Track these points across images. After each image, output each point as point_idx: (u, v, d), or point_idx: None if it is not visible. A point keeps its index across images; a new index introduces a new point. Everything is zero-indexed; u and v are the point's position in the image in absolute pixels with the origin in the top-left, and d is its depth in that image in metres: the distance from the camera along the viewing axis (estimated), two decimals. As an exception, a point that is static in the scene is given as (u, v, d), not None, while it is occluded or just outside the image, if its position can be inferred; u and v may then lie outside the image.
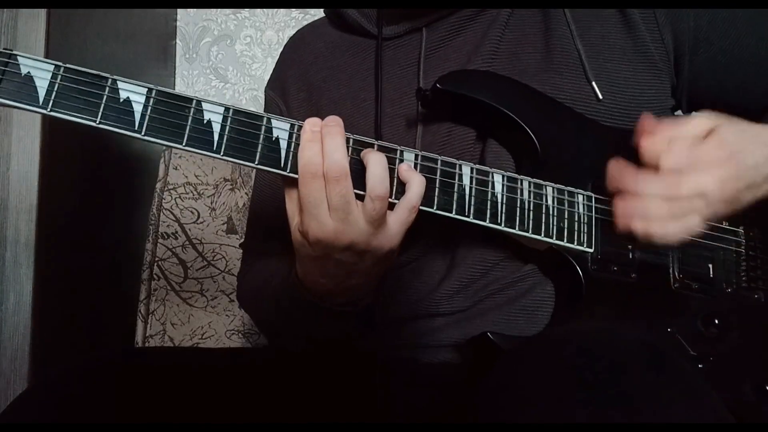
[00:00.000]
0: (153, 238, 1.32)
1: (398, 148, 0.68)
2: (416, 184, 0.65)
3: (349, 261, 0.64)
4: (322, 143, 0.62)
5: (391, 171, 0.65)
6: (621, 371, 0.52)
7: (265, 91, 0.95)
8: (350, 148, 0.66)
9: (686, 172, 0.63)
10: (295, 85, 0.91)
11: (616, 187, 0.66)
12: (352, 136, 0.67)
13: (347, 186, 0.61)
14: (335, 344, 0.86)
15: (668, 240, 0.64)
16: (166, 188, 1.33)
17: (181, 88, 1.68)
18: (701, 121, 0.66)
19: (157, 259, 1.31)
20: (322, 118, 0.85)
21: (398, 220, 0.64)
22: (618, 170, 0.66)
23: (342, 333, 0.78)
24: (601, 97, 0.76)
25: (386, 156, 0.65)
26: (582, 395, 0.50)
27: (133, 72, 1.45)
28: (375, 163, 0.63)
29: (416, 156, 0.68)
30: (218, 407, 0.71)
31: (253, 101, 1.66)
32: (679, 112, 0.85)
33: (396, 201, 0.65)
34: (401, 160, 0.68)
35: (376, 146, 0.67)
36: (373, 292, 0.73)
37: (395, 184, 0.66)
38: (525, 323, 0.74)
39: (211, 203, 1.34)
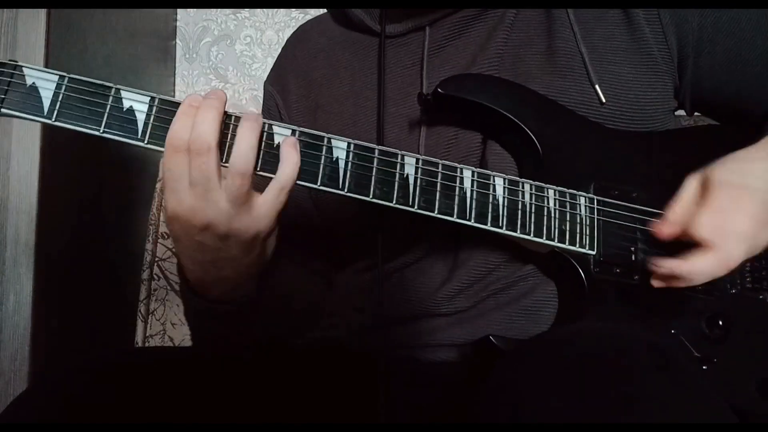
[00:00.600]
0: (153, 238, 1.31)
1: (399, 152, 0.68)
2: (288, 163, 0.62)
3: (211, 244, 0.62)
4: (194, 117, 0.60)
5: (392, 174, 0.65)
6: (624, 372, 0.51)
7: (264, 85, 0.95)
8: (351, 153, 0.66)
9: (722, 234, 0.65)
10: (295, 80, 0.90)
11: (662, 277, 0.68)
12: (352, 141, 0.66)
13: (209, 161, 0.59)
14: (332, 345, 0.86)
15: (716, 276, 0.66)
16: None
17: (181, 88, 1.67)
18: (691, 184, 0.69)
19: (157, 259, 1.31)
20: (321, 115, 0.86)
21: (266, 201, 0.62)
22: (669, 266, 0.67)
23: (224, 333, 0.75)
24: (604, 100, 0.76)
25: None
26: (584, 396, 0.50)
27: (133, 72, 1.45)
28: (242, 136, 0.60)
29: (417, 160, 0.68)
30: (218, 407, 0.71)
31: (253, 101, 1.66)
32: (682, 112, 0.85)
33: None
34: (402, 165, 0.68)
35: (377, 151, 0.67)
36: (251, 289, 0.70)
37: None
38: (526, 323, 0.74)
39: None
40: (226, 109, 0.63)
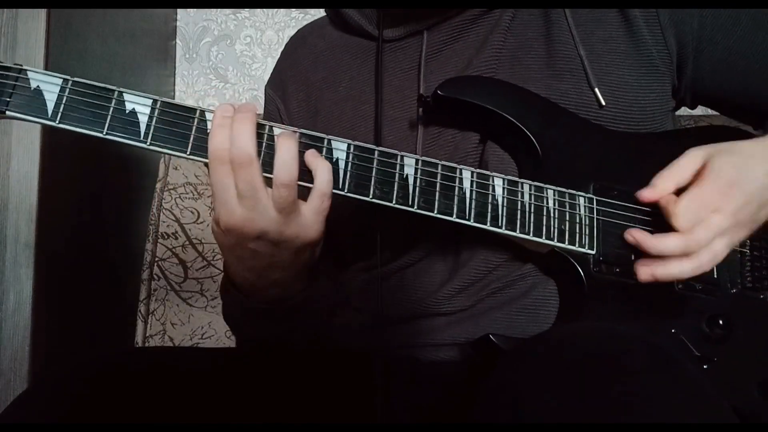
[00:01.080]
0: (153, 238, 1.31)
1: (399, 153, 0.69)
2: (322, 170, 0.64)
3: (264, 251, 0.64)
4: (231, 129, 0.62)
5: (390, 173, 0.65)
6: (623, 371, 0.51)
7: (265, 89, 0.95)
8: (351, 154, 0.66)
9: (698, 223, 0.65)
10: (294, 84, 0.91)
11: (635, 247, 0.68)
12: (352, 143, 0.67)
13: (253, 172, 0.61)
14: (333, 344, 0.86)
15: (697, 272, 0.66)
16: (166, 188, 1.33)
17: (181, 88, 1.67)
18: (690, 160, 0.69)
19: (157, 259, 1.31)
20: (322, 119, 0.86)
21: (311, 208, 0.64)
22: (636, 237, 0.68)
23: (281, 333, 0.78)
24: (604, 103, 0.76)
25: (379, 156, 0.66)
26: (584, 395, 0.50)
27: (133, 72, 1.45)
28: (283, 148, 0.62)
29: (416, 161, 0.69)
30: (218, 407, 0.71)
31: (253, 101, 1.66)
32: (682, 111, 0.85)
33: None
34: (401, 165, 0.68)
35: (376, 152, 0.68)
36: (303, 288, 0.73)
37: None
38: (527, 322, 0.74)
39: (211, 203, 1.34)
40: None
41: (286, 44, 0.97)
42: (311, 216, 0.64)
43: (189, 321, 1.30)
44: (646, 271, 0.66)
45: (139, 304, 1.30)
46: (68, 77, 0.64)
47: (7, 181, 1.02)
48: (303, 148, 0.66)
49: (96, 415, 0.63)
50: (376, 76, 0.83)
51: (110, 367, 0.70)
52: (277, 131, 0.66)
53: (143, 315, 1.29)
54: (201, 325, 1.30)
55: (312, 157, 0.65)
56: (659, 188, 0.69)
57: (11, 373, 1.01)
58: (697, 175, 0.68)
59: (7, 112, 0.63)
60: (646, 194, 0.69)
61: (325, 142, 0.67)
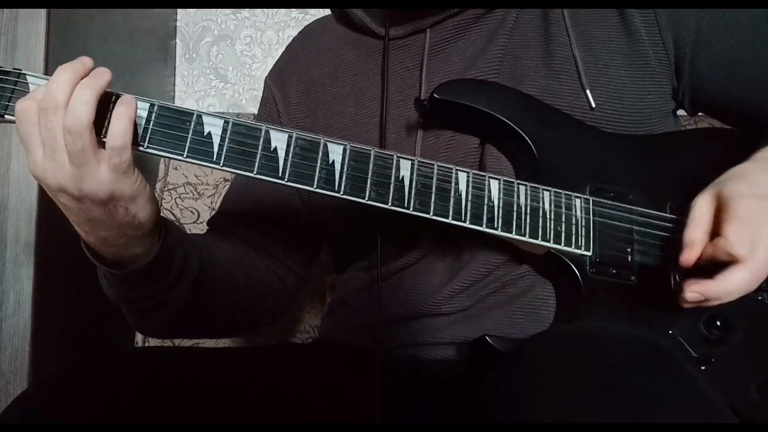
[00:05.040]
0: (153, 238, 1.31)
1: (394, 155, 0.69)
2: (115, 121, 0.61)
3: (72, 206, 0.62)
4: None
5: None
6: (622, 370, 0.52)
7: (265, 79, 0.95)
8: (347, 156, 0.66)
9: (752, 245, 0.64)
10: (296, 77, 0.91)
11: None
12: (348, 145, 0.67)
13: (55, 119, 0.58)
14: (333, 343, 0.86)
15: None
16: (166, 188, 1.33)
17: (181, 88, 1.68)
18: (703, 204, 0.67)
19: (156, 259, 1.31)
20: (322, 114, 0.86)
21: (105, 162, 0.61)
22: (701, 291, 0.66)
23: (141, 299, 0.74)
24: (594, 105, 0.76)
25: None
26: (582, 394, 0.50)
27: (134, 72, 1.45)
28: (75, 93, 0.59)
29: (412, 163, 0.69)
30: (218, 407, 0.71)
31: (253, 101, 1.66)
32: (682, 112, 0.85)
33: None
34: (397, 168, 0.69)
35: (372, 154, 0.68)
36: (144, 253, 0.69)
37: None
38: (526, 322, 0.75)
39: (211, 203, 1.34)
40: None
41: (293, 39, 0.98)
42: (107, 172, 0.61)
43: (189, 321, 1.30)
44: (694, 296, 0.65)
45: (139, 304, 1.29)
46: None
47: (7, 181, 1.02)
48: (300, 150, 0.66)
49: (96, 415, 0.64)
50: (382, 75, 0.83)
51: (110, 367, 0.71)
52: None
53: (143, 315, 1.29)
54: (201, 324, 1.30)
55: (118, 106, 0.61)
56: (696, 243, 0.66)
57: (11, 373, 1.01)
58: (720, 211, 0.67)
59: (6, 116, 0.63)
60: (688, 255, 0.66)
61: (321, 144, 0.67)
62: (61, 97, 0.58)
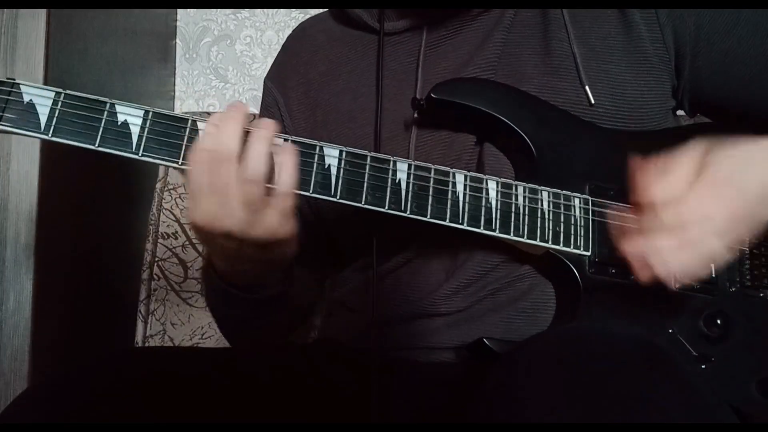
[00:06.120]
0: (153, 238, 1.31)
1: (391, 158, 0.69)
2: (285, 169, 0.63)
3: (231, 246, 0.64)
4: (218, 128, 0.61)
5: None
6: (617, 371, 0.52)
7: (264, 81, 0.95)
8: (343, 160, 0.66)
9: (685, 200, 0.63)
10: (295, 77, 0.91)
11: (622, 234, 0.66)
12: (344, 149, 0.67)
13: (230, 169, 0.60)
14: (329, 345, 0.86)
15: (693, 269, 0.63)
16: (166, 188, 1.33)
17: (181, 88, 1.67)
18: (690, 153, 0.66)
19: (157, 259, 1.31)
20: (321, 111, 0.86)
21: (275, 208, 0.63)
22: (620, 216, 0.67)
23: (254, 321, 0.78)
24: (593, 101, 0.76)
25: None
26: (579, 396, 0.50)
27: (134, 72, 1.45)
28: (254, 145, 0.62)
29: (409, 166, 0.69)
30: (218, 407, 0.71)
31: (254, 101, 1.66)
32: (681, 112, 0.84)
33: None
34: (394, 171, 0.69)
35: (369, 158, 0.68)
36: (276, 283, 0.73)
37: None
38: (525, 325, 0.74)
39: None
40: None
41: (287, 38, 0.98)
42: (275, 216, 0.63)
43: (189, 321, 1.30)
44: (633, 253, 0.64)
45: (139, 304, 1.30)
46: (60, 90, 0.64)
47: (7, 181, 1.02)
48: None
49: (96, 415, 0.63)
50: (377, 70, 0.83)
51: (110, 367, 0.71)
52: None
53: (143, 315, 1.29)
54: (201, 325, 1.30)
55: (280, 155, 0.64)
56: (652, 163, 0.66)
57: (11, 373, 1.01)
58: (695, 174, 0.66)
59: (0, 127, 0.63)
60: (637, 162, 0.66)
61: (317, 148, 0.67)
62: (234, 148, 0.60)
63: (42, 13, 1.03)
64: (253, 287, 0.73)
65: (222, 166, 0.60)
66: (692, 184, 0.64)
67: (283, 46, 0.97)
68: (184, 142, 0.65)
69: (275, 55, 0.98)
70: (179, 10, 1.68)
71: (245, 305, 0.75)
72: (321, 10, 0.96)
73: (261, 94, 0.97)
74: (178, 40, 1.68)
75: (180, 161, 0.64)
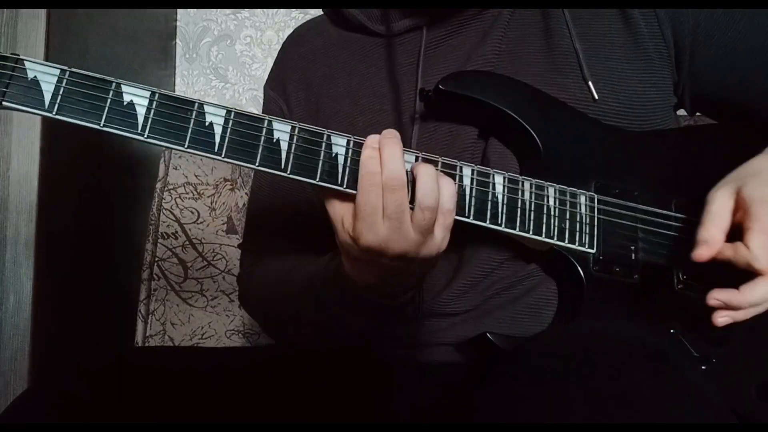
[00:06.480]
0: (153, 238, 1.31)
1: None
2: (445, 187, 0.65)
3: (398, 266, 0.65)
4: (380, 154, 0.63)
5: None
6: (619, 371, 0.51)
7: (264, 89, 0.95)
8: (350, 150, 0.66)
9: None
10: (295, 83, 0.91)
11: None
12: (352, 138, 0.67)
13: (403, 195, 0.62)
14: (343, 345, 0.86)
15: None
16: (166, 188, 1.33)
17: (181, 88, 1.68)
18: (722, 201, 0.66)
19: (157, 259, 1.31)
20: (322, 116, 0.86)
21: (439, 226, 0.65)
22: (722, 299, 0.65)
23: (372, 326, 0.78)
24: (597, 97, 0.76)
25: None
26: (580, 395, 0.50)
27: (134, 72, 1.45)
28: (424, 174, 0.64)
29: (416, 158, 0.68)
30: (218, 407, 0.71)
31: (253, 101, 1.66)
32: (682, 111, 0.84)
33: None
34: None
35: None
36: (414, 288, 0.74)
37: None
38: (530, 322, 0.74)
39: (211, 203, 1.34)
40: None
41: (283, 44, 0.97)
42: (440, 233, 0.65)
43: (189, 321, 1.30)
44: (724, 320, 0.65)
45: (139, 304, 1.30)
46: (65, 67, 0.62)
47: (7, 181, 1.02)
48: (302, 143, 0.66)
49: (96, 415, 0.63)
50: (388, 72, 0.83)
51: (110, 367, 0.71)
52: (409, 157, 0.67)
53: (143, 315, 1.29)
54: (201, 325, 1.30)
55: (441, 180, 0.66)
56: (712, 241, 0.65)
57: (11, 373, 1.01)
58: (742, 212, 0.65)
59: (4, 103, 0.61)
60: (703, 253, 0.64)
61: (325, 137, 0.67)
62: (403, 175, 0.63)
63: (42, 13, 1.03)
64: (390, 295, 0.72)
65: (395, 193, 0.62)
66: (755, 222, 0.64)
67: (280, 52, 0.97)
68: (191, 126, 0.64)
69: (275, 55, 0.97)
70: (179, 10, 1.69)
71: (376, 313, 0.74)
72: (320, 11, 0.95)
73: (260, 94, 0.97)
74: (178, 40, 1.68)
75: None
